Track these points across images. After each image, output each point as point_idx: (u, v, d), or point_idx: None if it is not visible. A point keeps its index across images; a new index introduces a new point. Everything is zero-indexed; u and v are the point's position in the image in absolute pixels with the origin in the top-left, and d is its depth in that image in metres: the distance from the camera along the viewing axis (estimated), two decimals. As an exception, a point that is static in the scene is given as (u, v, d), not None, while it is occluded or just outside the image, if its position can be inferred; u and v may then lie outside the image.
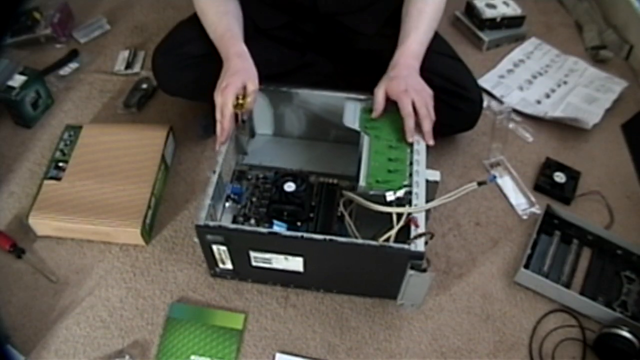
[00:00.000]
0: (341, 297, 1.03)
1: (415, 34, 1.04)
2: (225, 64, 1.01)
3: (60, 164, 1.15)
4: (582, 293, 1.03)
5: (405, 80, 0.98)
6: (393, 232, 0.88)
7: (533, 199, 1.18)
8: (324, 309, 1.02)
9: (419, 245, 0.87)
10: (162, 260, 1.08)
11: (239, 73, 0.98)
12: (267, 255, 0.94)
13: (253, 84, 0.98)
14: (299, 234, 0.90)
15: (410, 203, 0.91)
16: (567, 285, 1.04)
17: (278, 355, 0.96)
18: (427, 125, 0.97)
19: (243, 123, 1.06)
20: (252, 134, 1.18)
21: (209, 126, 1.26)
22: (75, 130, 1.21)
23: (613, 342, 0.94)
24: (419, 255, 0.87)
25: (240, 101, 0.97)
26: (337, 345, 0.98)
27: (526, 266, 1.04)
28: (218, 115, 0.97)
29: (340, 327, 1.00)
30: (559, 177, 1.20)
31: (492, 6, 1.49)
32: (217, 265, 1.00)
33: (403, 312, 1.02)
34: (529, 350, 0.98)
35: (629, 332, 0.93)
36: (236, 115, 0.99)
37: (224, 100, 0.96)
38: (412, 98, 0.96)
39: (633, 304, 1.02)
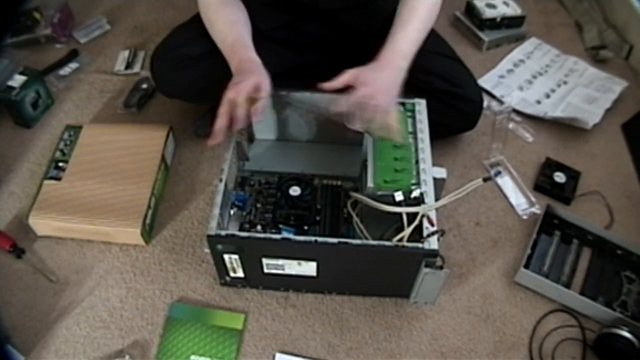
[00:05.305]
0: (341, 297, 1.03)
1: (403, 32, 1.00)
2: (239, 66, 0.98)
3: (60, 164, 1.15)
4: (582, 293, 1.03)
5: (375, 74, 0.94)
6: (407, 232, 0.89)
7: (533, 199, 1.18)
8: (324, 309, 1.02)
9: (432, 243, 0.87)
10: (162, 260, 1.08)
11: (254, 73, 0.95)
12: (280, 262, 0.93)
13: (266, 86, 0.94)
14: (312, 238, 0.89)
15: (419, 202, 0.90)
16: (567, 285, 1.04)
17: (278, 355, 0.96)
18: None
19: (247, 127, 0.99)
20: (252, 139, 1.18)
21: (204, 126, 1.26)
22: (75, 130, 1.21)
23: (613, 342, 0.94)
24: (434, 253, 0.87)
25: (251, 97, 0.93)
26: (337, 345, 0.98)
27: (526, 266, 1.04)
28: (223, 109, 0.92)
29: (340, 327, 1.00)
30: (559, 177, 1.20)
31: (492, 6, 1.49)
32: (227, 274, 0.99)
33: (403, 312, 1.02)
34: (529, 350, 0.98)
35: (629, 332, 0.93)
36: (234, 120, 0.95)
37: (236, 92, 0.91)
38: (368, 92, 0.91)
39: (633, 304, 1.02)
